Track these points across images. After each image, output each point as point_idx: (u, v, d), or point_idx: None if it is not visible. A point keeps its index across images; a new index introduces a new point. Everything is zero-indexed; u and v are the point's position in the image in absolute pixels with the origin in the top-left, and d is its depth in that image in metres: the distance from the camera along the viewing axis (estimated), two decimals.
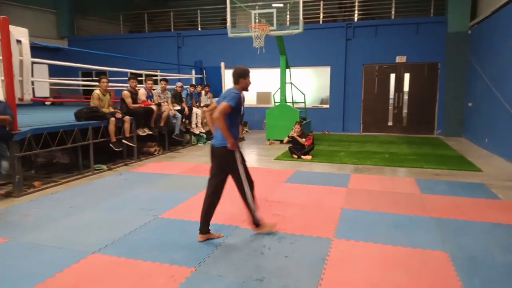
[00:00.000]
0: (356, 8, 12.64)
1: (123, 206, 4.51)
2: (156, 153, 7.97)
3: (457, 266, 2.97)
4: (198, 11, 14.12)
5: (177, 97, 8.87)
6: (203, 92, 10.36)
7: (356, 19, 12.64)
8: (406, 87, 11.85)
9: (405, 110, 11.95)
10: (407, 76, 11.78)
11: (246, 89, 3.58)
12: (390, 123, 12.13)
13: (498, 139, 7.90)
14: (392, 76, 11.92)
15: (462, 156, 7.71)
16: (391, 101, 12.03)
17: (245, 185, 3.49)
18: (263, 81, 13.17)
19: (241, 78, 3.53)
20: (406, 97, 11.89)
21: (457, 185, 5.44)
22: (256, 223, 3.64)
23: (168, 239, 3.53)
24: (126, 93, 7.12)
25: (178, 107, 8.60)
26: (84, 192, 5.15)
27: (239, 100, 3.38)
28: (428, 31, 11.38)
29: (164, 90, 8.31)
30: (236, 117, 3.45)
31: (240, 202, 3.60)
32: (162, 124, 7.84)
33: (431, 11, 11.78)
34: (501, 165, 6.88)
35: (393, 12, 12.12)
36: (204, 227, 3.53)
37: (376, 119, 12.21)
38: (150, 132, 7.50)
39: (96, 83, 7.11)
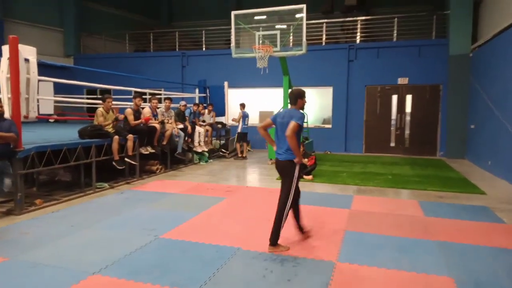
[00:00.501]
0: (359, 30, 12.85)
1: (124, 225, 4.48)
2: (158, 171, 7.97)
3: None
4: (203, 31, 14.39)
5: (180, 116, 8.94)
6: (206, 111, 10.44)
7: (358, 41, 12.83)
8: (408, 108, 11.90)
9: (407, 131, 11.97)
10: (409, 98, 11.85)
11: (302, 108, 3.97)
12: (392, 144, 12.13)
13: (501, 161, 7.87)
14: (394, 97, 11.99)
15: (465, 179, 7.66)
16: (393, 122, 12.06)
17: (290, 197, 3.85)
18: (266, 100, 13.29)
19: (299, 99, 3.93)
20: (408, 118, 11.92)
21: (461, 208, 5.38)
22: (274, 242, 3.77)
23: (169, 260, 3.48)
24: (129, 110, 7.19)
25: (181, 126, 8.66)
26: (85, 211, 5.12)
27: (303, 119, 3.81)
28: (430, 53, 11.52)
29: (168, 108, 8.39)
30: (300, 134, 3.85)
31: (243, 223, 3.57)
32: (165, 142, 7.88)
33: (433, 34, 11.96)
34: (505, 188, 6.82)
35: (395, 34, 12.30)
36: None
37: (378, 140, 12.22)
38: (153, 151, 7.52)
39: (100, 101, 7.18)
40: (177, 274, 3.18)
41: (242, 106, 10.55)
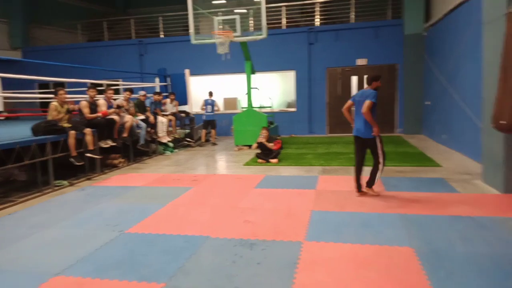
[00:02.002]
0: (317, 13, 12.94)
1: (87, 223, 4.32)
2: (120, 165, 7.72)
3: (422, 260, 3.07)
4: (160, 18, 13.92)
5: (140, 106, 8.67)
6: (168, 100, 10.19)
7: (317, 23, 12.93)
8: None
9: None
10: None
11: (377, 90, 4.74)
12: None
13: (454, 135, 8.32)
14: (354, 79, 12.27)
15: (422, 153, 8.05)
16: None
17: (381, 158, 4.79)
18: (230, 87, 13.17)
19: (374, 81, 4.76)
20: None
21: (419, 181, 5.66)
22: (370, 185, 4.88)
23: (136, 254, 3.41)
24: (84, 103, 6.87)
25: (142, 117, 8.40)
26: (45, 210, 4.88)
27: (377, 96, 4.66)
28: (386, 34, 11.83)
29: (127, 100, 8.09)
30: (375, 110, 4.70)
31: (211, 212, 3.55)
32: (125, 134, 7.61)
33: (388, 14, 12.27)
34: (458, 159, 7.24)
35: (352, 16, 12.50)
36: (360, 187, 4.90)
37: (341, 121, 12.41)
38: (114, 144, 7.26)
39: (53, 96, 6.81)
40: (144, 268, 3.13)
41: (209, 94, 10.59)
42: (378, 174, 4.82)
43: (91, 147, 6.55)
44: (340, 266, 3.03)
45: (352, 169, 6.74)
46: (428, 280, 2.76)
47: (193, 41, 8.94)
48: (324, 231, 3.79)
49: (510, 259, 3.06)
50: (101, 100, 7.31)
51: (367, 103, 4.57)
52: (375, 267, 2.99)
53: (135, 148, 8.14)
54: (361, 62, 12.04)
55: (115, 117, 7.29)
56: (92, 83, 7.89)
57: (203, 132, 10.71)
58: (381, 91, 12.28)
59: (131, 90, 8.28)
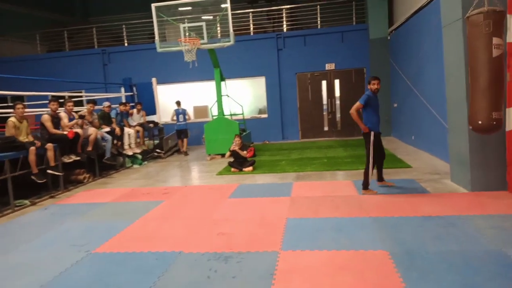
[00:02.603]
0: (284, 19, 13.06)
1: (51, 244, 4.06)
2: (85, 180, 7.35)
3: (396, 262, 3.08)
4: (123, 26, 13.57)
5: (105, 118, 8.35)
6: (135, 110, 9.90)
7: (285, 29, 13.05)
8: (337, 93, 12.44)
9: (338, 115, 12.52)
10: (337, 82, 12.38)
11: (374, 92, 5.15)
12: (326, 128, 12.62)
13: (422, 135, 8.56)
14: (324, 83, 12.45)
15: (393, 154, 8.22)
16: (325, 107, 12.54)
17: (370, 156, 5.09)
18: (199, 95, 13.00)
19: (369, 84, 5.21)
20: (338, 102, 12.47)
21: None
22: (365, 186, 5.14)
23: (105, 275, 3.21)
24: (45, 117, 6.53)
25: (108, 129, 8.08)
26: (5, 233, 4.55)
27: (367, 98, 5.10)
28: (352, 39, 12.11)
29: (90, 112, 7.77)
30: (371, 110, 5.12)
31: (183, 226, 3.41)
32: (90, 148, 7.27)
33: (354, 20, 12.56)
34: (427, 160, 7.44)
35: (319, 22, 12.71)
36: (367, 184, 5.18)
37: (313, 125, 12.64)
38: (78, 158, 6.92)
39: (12, 110, 6.43)
40: None
41: (177, 103, 10.49)
42: (368, 173, 5.14)
43: (52, 163, 6.21)
44: (317, 274, 2.98)
45: (325, 174, 6.83)
46: (402, 282, 2.76)
47: (159, 49, 8.76)
48: (300, 238, 3.74)
49: (478, 255, 3.12)
50: (62, 113, 6.97)
51: (356, 104, 5.13)
52: (351, 272, 2.97)
53: (100, 162, 7.79)
54: (329, 66, 12.25)
55: (79, 130, 6.96)
56: (53, 96, 7.52)
57: (179, 142, 10.73)
58: (350, 95, 12.51)
59: (94, 102, 7.97)
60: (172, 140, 11.08)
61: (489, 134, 4.47)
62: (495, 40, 3.93)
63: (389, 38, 11.39)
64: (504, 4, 4.45)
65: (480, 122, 4.07)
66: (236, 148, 7.72)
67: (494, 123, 4.01)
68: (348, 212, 4.47)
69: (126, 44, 13.72)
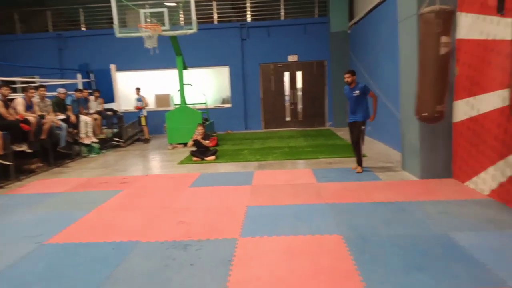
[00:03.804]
0: (248, 9, 13.00)
1: (0, 236, 3.86)
2: (38, 170, 7.00)
3: (350, 246, 3.23)
4: (80, 10, 12.90)
5: (60, 105, 7.96)
6: (92, 97, 9.51)
7: (249, 19, 13.00)
8: (299, 84, 12.64)
9: (300, 106, 12.75)
10: (299, 74, 12.57)
11: (348, 84, 5.78)
12: (288, 119, 12.82)
13: (377, 126, 8.92)
14: (286, 74, 12.60)
15: (349, 145, 8.43)
16: (287, 98, 12.72)
17: (363, 139, 5.79)
18: (161, 83, 12.71)
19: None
20: (300, 93, 12.69)
21: (347, 171, 5.97)
22: (360, 163, 5.80)
23: (58, 267, 3.11)
24: None
25: (62, 116, 7.71)
26: None
27: (345, 91, 5.88)
28: (314, 31, 12.29)
29: (43, 98, 7.37)
30: (351, 102, 5.81)
31: (141, 215, 3.36)
32: (43, 137, 6.92)
33: (316, 12, 12.75)
34: (382, 149, 7.79)
35: (282, 13, 12.78)
36: (361, 163, 5.86)
37: (275, 116, 12.78)
38: (29, 151, 6.56)
39: None
40: (68, 280, 2.87)
41: (137, 90, 10.36)
42: (362, 151, 5.89)
43: (1, 152, 5.85)
44: (274, 259, 3.06)
45: (286, 163, 6.97)
46: (355, 265, 2.90)
47: (118, 35, 8.43)
48: (260, 225, 3.81)
49: (426, 239, 3.34)
50: (18, 99, 6.56)
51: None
52: (307, 257, 3.08)
53: (55, 151, 7.44)
54: (292, 58, 12.39)
55: (31, 118, 6.60)
56: (3, 81, 7.06)
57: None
58: (312, 86, 12.78)
59: (44, 86, 7.54)
60: (132, 128, 10.79)
61: (433, 124, 4.83)
62: (444, 39, 4.17)
63: (349, 31, 11.69)
64: (454, 2, 4.73)
65: (424, 114, 4.37)
66: (199, 138, 7.67)
67: (437, 115, 4.33)
68: (306, 199, 4.61)
69: (83, 29, 13.06)
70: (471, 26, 4.55)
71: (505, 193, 4.05)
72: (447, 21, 4.18)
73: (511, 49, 3.76)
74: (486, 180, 4.36)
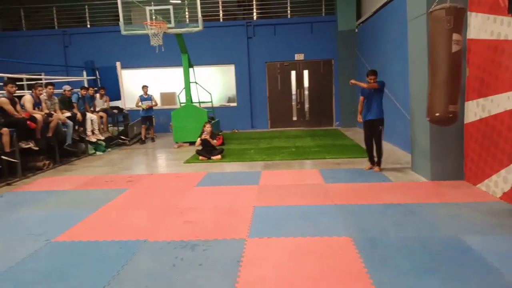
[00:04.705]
0: (255, 6, 12.93)
1: (6, 233, 3.85)
2: (45, 167, 7.00)
3: (359, 248, 3.18)
4: (86, 6, 12.90)
5: (66, 103, 7.96)
6: (97, 95, 9.51)
7: (255, 17, 12.93)
8: (306, 83, 12.57)
9: (306, 105, 12.68)
10: (306, 73, 12.49)
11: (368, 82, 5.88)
12: (294, 118, 12.75)
13: (386, 127, 8.76)
14: (293, 73, 12.52)
15: (358, 145, 8.44)
16: (294, 97, 12.65)
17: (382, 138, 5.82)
18: (167, 81, 12.69)
19: None
20: (306, 92, 12.61)
21: (355, 172, 5.91)
22: (379, 164, 5.88)
23: (65, 265, 3.08)
24: (3, 100, 6.12)
25: (69, 114, 7.71)
26: None
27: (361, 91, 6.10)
28: (321, 30, 12.20)
29: (50, 95, 7.37)
30: (367, 98, 6.11)
31: (148, 214, 3.33)
32: (50, 134, 6.92)
33: (323, 11, 12.66)
34: (390, 150, 7.71)
35: (289, 11, 12.70)
36: (372, 161, 6.00)
37: (281, 115, 12.72)
38: (36, 148, 6.55)
39: None
40: (75, 278, 2.84)
41: (145, 88, 10.29)
42: (382, 152, 6.02)
43: (7, 149, 5.85)
44: (283, 260, 3.02)
45: (293, 163, 6.91)
46: (365, 268, 2.85)
47: (123, 32, 8.41)
48: (267, 226, 3.77)
49: (435, 241, 3.28)
50: (27, 96, 6.56)
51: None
52: (316, 258, 3.03)
53: (61, 149, 7.44)
54: (298, 57, 12.31)
55: (38, 115, 6.59)
56: (9, 78, 7.06)
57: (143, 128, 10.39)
58: (319, 85, 12.72)
59: (53, 84, 7.54)
60: (138, 127, 10.77)
61: (445, 126, 4.65)
62: (455, 36, 4.08)
63: (356, 30, 11.59)
64: (465, 1, 4.64)
65: (437, 114, 4.25)
66: (207, 137, 7.62)
67: (451, 115, 4.19)
68: (314, 200, 4.55)
69: (88, 26, 13.07)
70: (481, 26, 4.47)
71: None
72: (458, 18, 4.09)
73: None
74: (498, 183, 4.28)
